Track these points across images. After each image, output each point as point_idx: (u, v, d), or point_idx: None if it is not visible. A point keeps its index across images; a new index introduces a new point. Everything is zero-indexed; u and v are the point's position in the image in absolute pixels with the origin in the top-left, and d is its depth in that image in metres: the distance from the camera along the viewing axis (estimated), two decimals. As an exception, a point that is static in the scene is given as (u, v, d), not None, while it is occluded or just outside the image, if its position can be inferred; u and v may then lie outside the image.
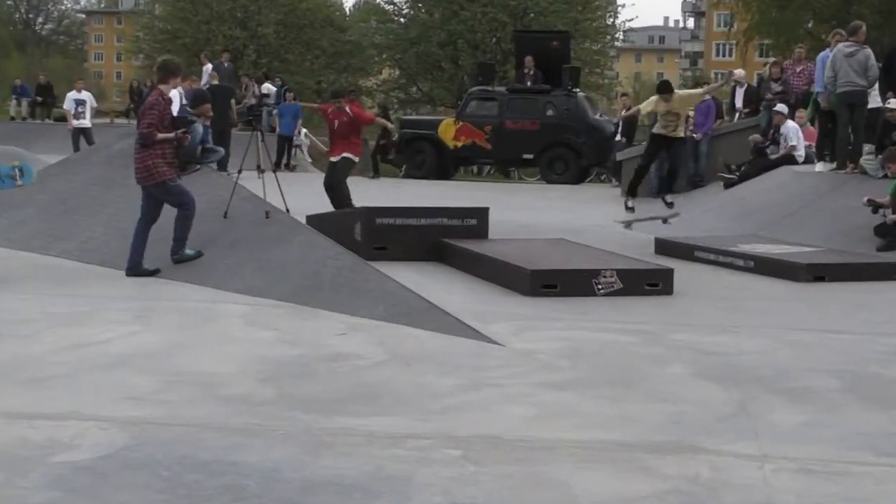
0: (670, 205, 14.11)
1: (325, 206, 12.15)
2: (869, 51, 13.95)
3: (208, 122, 12.13)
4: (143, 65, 49.68)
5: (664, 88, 13.75)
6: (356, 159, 13.69)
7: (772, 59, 23.03)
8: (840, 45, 14.10)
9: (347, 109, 13.45)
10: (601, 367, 6.62)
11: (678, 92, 14.00)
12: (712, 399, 5.91)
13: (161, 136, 9.29)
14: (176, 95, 12.17)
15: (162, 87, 9.67)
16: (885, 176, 12.93)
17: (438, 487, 4.37)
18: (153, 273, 9.39)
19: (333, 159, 13.51)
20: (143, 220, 9.51)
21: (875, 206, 11.83)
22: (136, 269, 9.36)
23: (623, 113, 13.87)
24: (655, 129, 13.81)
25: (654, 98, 13.85)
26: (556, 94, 24.33)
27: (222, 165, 14.36)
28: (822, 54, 15.13)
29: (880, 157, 13.30)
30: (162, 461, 4.60)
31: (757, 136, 17.58)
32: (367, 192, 16.55)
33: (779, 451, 4.95)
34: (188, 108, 11.57)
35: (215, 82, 21.22)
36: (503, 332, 7.47)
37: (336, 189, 13.22)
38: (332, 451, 4.82)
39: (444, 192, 19.00)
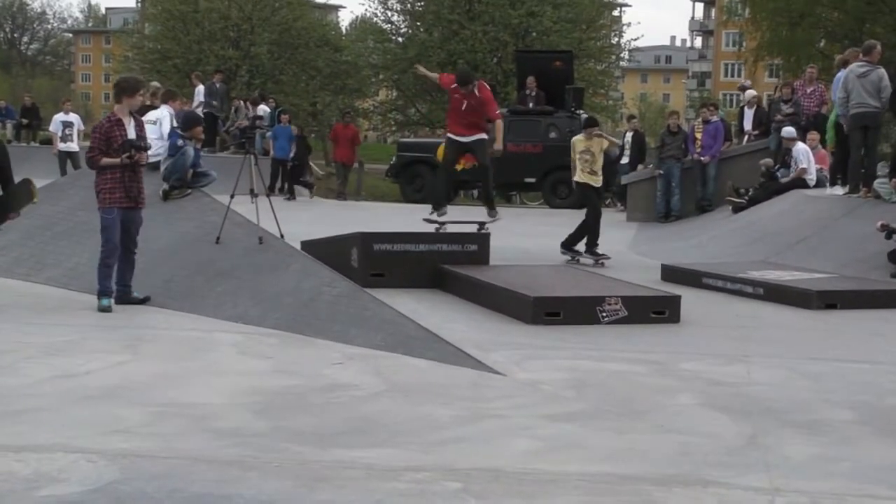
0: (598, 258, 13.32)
1: (323, 232, 12.15)
2: (882, 71, 14.01)
3: (200, 145, 12.16)
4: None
5: (593, 122, 13.76)
6: (487, 137, 12.75)
7: (743, 86, 22.96)
8: (853, 65, 14.18)
9: (477, 92, 12.35)
10: (607, 398, 6.63)
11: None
12: (722, 431, 5.92)
13: (105, 160, 8.98)
14: (167, 116, 12.22)
15: (116, 107, 9.34)
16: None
17: (438, 522, 4.39)
18: (143, 301, 9.36)
19: (462, 139, 12.45)
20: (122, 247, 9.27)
21: (889, 232, 11.87)
22: (124, 296, 9.33)
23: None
24: (577, 177, 13.32)
25: (580, 136, 13.65)
26: (559, 115, 24.44)
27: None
28: (839, 75, 15.19)
29: (894, 180, 13.36)
30: (153, 495, 4.60)
31: (768, 161, 17.67)
32: (363, 217, 16.64)
33: (790, 485, 4.96)
34: (178, 131, 11.58)
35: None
36: (505, 361, 7.49)
37: (489, 174, 12.78)
38: (329, 484, 4.83)
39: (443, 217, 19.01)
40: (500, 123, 12.75)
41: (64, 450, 5.21)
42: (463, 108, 12.27)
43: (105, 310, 8.99)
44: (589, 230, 13.43)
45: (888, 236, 11.91)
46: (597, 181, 13.26)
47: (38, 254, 11.18)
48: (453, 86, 12.48)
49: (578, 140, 13.47)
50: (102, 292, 9.05)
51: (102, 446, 5.29)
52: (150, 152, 10.86)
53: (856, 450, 5.63)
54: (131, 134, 9.05)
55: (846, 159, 14.81)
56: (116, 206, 9.01)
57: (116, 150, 8.94)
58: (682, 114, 55.72)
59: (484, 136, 12.39)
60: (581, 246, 13.47)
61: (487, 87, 12.86)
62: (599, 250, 13.26)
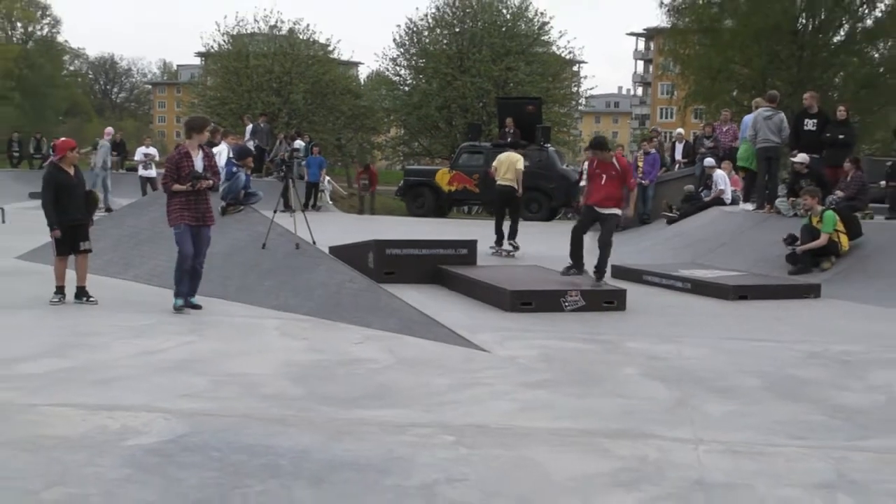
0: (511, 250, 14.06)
1: (346, 239, 12.14)
2: (783, 115, 14.15)
3: (250, 171, 12.16)
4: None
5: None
6: (620, 213, 10.25)
7: (655, 130, 23.09)
8: (760, 110, 14.28)
9: (615, 162, 10.13)
10: (569, 370, 6.65)
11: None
12: (658, 395, 5.94)
13: (176, 187, 8.53)
14: (224, 150, 12.22)
15: (187, 141, 8.81)
16: (795, 215, 13.04)
17: (437, 467, 4.40)
18: (196, 307, 8.73)
19: (599, 209, 10.08)
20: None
21: (791, 239, 11.95)
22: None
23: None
24: (520, 189, 13.80)
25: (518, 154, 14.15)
26: (531, 148, 24.34)
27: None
28: (746, 117, 15.28)
29: (791, 199, 13.43)
30: (214, 445, 4.62)
31: (690, 186, 17.76)
32: (378, 228, 16.64)
33: (711, 436, 4.98)
34: (234, 161, 11.57)
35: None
36: (489, 341, 7.49)
37: (606, 246, 10.02)
38: (351, 436, 4.84)
39: (440, 227, 19.02)
40: (635, 192, 10.35)
41: (146, 409, 5.23)
42: (602, 182, 10.05)
43: (178, 310, 8.60)
44: (517, 226, 14.22)
45: (790, 243, 11.97)
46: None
47: (125, 257, 11.17)
48: (592, 160, 10.32)
49: (521, 158, 13.96)
50: (177, 294, 8.72)
51: (175, 407, 5.31)
52: None
53: (761, 408, 5.65)
54: (198, 165, 8.63)
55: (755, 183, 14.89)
56: (184, 223, 8.59)
57: (184, 178, 8.57)
58: (626, 147, 55.81)
59: (618, 211, 10.11)
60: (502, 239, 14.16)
61: (624, 157, 10.78)
62: (554, 254, 13.54)
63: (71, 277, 9.02)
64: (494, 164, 14.11)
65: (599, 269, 10.03)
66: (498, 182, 13.84)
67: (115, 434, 4.77)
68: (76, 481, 4.09)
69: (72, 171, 8.97)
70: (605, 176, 10.03)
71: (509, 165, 13.77)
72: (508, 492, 4.10)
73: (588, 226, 10.38)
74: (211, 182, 8.72)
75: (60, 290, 8.95)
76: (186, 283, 8.69)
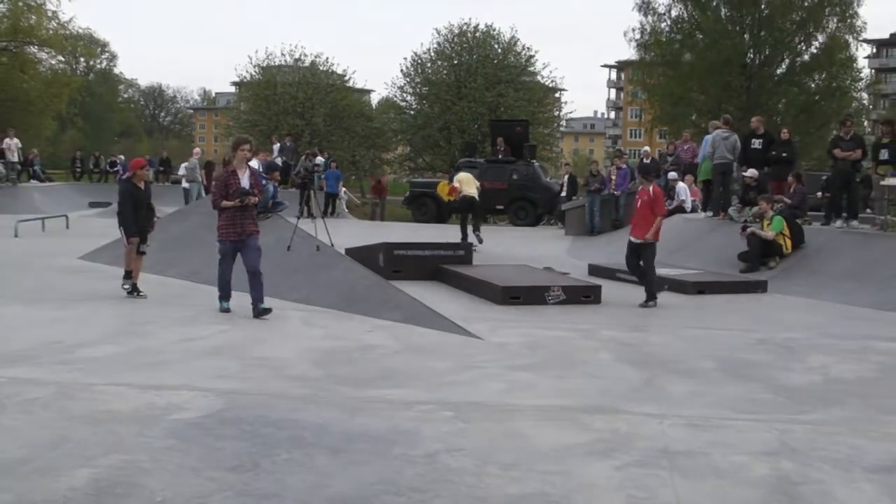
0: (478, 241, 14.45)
1: (360, 242, 12.12)
2: (736, 136, 14.24)
3: (277, 183, 12.17)
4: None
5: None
6: (655, 241, 9.52)
7: (619, 151, 23.07)
8: (717, 131, 14.38)
9: (651, 190, 9.49)
10: (552, 355, 6.65)
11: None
12: (628, 376, 5.94)
13: (224, 203, 8.08)
14: (255, 165, 12.21)
15: (234, 160, 8.38)
16: (745, 220, 13.08)
17: (438, 438, 4.40)
18: (268, 311, 8.05)
19: (635, 240, 9.54)
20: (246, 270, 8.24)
21: (743, 227, 12.12)
22: (254, 311, 8.07)
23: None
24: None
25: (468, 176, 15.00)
26: (519, 164, 24.40)
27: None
28: (706, 137, 15.35)
29: (739, 205, 13.55)
30: (246, 419, 4.62)
31: None
32: (387, 233, 16.60)
33: (673, 412, 4.98)
34: (263, 174, 11.58)
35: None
36: (483, 330, 7.49)
37: (647, 272, 9.46)
38: (364, 413, 4.84)
39: (441, 232, 19.00)
40: (660, 221, 9.36)
41: (187, 388, 5.23)
42: (638, 205, 9.57)
43: (224, 311, 8.15)
44: (479, 223, 14.90)
45: (748, 240, 11.99)
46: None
47: (169, 257, 11.15)
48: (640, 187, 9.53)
49: (474, 178, 14.94)
50: (221, 297, 8.30)
51: (213, 386, 5.30)
52: None
53: (716, 388, 5.66)
54: (244, 182, 8.16)
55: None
56: (228, 240, 8.16)
57: (231, 195, 8.05)
58: (601, 162, 55.72)
59: (651, 239, 9.45)
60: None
61: (660, 188, 9.66)
62: (539, 254, 13.58)
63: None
64: (455, 183, 15.03)
65: (646, 291, 9.37)
66: (463, 194, 14.77)
67: (162, 409, 4.77)
68: (128, 449, 4.09)
69: (142, 185, 9.17)
70: (640, 201, 9.54)
71: (469, 181, 14.88)
72: (499, 460, 4.10)
73: (633, 257, 9.62)
74: (256, 199, 8.28)
75: (129, 275, 9.04)
76: (228, 289, 8.32)
